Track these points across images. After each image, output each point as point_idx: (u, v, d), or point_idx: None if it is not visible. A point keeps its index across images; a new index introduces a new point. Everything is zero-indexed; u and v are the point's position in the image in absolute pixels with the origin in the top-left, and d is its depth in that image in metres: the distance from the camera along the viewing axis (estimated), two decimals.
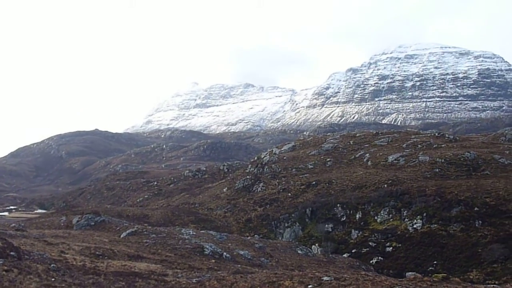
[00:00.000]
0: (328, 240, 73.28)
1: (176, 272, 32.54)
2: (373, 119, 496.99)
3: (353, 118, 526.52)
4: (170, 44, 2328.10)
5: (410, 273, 50.62)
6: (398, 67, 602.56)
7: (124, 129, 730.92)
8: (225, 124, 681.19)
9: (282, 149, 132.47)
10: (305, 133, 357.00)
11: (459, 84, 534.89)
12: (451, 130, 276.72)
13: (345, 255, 64.58)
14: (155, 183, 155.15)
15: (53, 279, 23.41)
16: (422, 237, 63.99)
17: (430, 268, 56.64)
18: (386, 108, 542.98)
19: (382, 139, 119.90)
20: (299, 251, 57.84)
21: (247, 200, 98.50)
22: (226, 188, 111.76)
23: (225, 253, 46.32)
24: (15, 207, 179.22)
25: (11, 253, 26.32)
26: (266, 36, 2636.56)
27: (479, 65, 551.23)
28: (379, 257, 63.51)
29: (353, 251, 67.79)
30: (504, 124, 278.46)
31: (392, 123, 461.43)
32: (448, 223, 64.73)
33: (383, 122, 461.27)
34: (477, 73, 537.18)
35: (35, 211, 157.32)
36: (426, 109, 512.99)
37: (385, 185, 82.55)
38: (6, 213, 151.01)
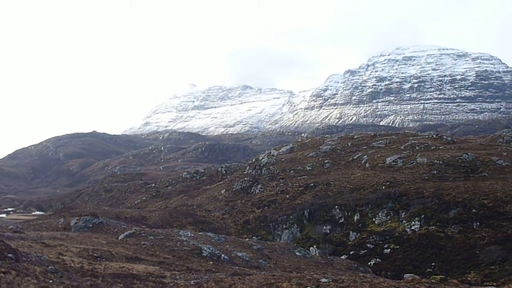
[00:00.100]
0: (326, 242, 73.26)
1: (174, 274, 32.52)
2: (371, 121, 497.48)
3: (351, 120, 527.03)
4: (168, 46, 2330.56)
5: (408, 274, 50.71)
6: (396, 69, 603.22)
7: (122, 131, 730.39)
8: (223, 126, 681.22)
9: (280, 151, 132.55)
10: (303, 135, 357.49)
11: (456, 86, 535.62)
12: (449, 132, 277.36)
13: (343, 257, 64.59)
14: (153, 185, 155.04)
15: (50, 281, 23.39)
16: (420, 238, 64.02)
17: (428, 269, 56.68)
18: (384, 110, 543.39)
19: (380, 141, 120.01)
20: (297, 253, 57.84)
21: (245, 202, 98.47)
22: (224, 190, 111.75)
23: (223, 255, 46.30)
24: (13, 209, 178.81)
25: (9, 255, 26.28)
26: (264, 38, 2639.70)
27: (477, 67, 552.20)
28: (377, 259, 63.52)
29: (351, 253, 67.79)
30: (502, 125, 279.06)
31: (390, 125, 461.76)
32: (446, 225, 64.78)
33: (381, 124, 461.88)
34: (474, 75, 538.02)
35: (33, 213, 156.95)
36: (424, 111, 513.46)
37: (383, 187, 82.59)
38: (4, 215, 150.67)
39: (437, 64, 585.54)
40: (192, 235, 56.61)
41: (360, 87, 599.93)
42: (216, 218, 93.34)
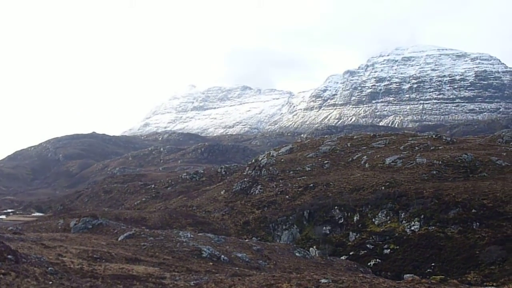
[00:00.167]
0: (326, 242, 73.26)
1: (174, 275, 32.50)
2: (370, 121, 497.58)
3: (351, 120, 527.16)
4: (167, 46, 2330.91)
5: (408, 275, 50.69)
6: (395, 70, 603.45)
7: (121, 132, 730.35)
8: (222, 127, 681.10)
9: (279, 152, 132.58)
10: (302, 135, 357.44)
11: (456, 86, 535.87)
12: (448, 132, 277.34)
13: (343, 258, 64.57)
14: (153, 186, 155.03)
15: (50, 283, 23.38)
16: (419, 239, 64.03)
17: (428, 270, 56.69)
18: (384, 110, 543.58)
19: (380, 141, 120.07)
20: (297, 254, 57.81)
21: (244, 202, 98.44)
22: (223, 190, 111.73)
23: (223, 256, 46.28)
24: (12, 210, 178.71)
25: (9, 256, 26.26)
26: (263, 38, 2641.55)
27: (476, 67, 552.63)
28: (377, 259, 63.52)
29: (351, 253, 67.78)
30: (501, 126, 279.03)
31: (390, 125, 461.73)
32: (445, 225, 64.80)
33: (380, 124, 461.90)
34: (474, 75, 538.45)
35: (33, 214, 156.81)
36: (423, 111, 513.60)
37: (383, 187, 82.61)
38: (3, 216, 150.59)
39: (436, 65, 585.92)
40: (191, 236, 56.57)
41: (359, 88, 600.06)
42: (216, 219, 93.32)
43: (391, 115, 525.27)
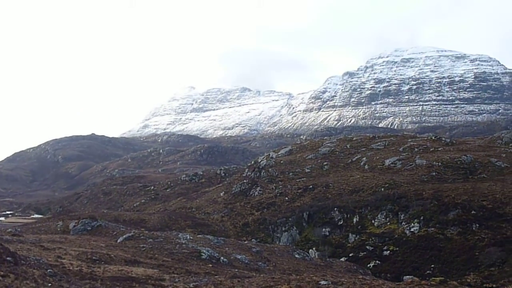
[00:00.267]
0: (325, 244, 73.23)
1: (173, 276, 32.47)
2: (369, 122, 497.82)
3: (350, 122, 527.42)
4: (167, 48, 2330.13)
5: (407, 276, 50.60)
6: (395, 71, 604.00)
7: (120, 133, 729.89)
8: (222, 128, 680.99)
9: (279, 153, 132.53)
10: (302, 137, 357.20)
11: (455, 88, 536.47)
12: (448, 134, 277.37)
13: (342, 259, 64.53)
14: (152, 187, 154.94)
15: (49, 285, 23.34)
16: (419, 240, 64.00)
17: (428, 271, 56.65)
18: (383, 112, 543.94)
19: (379, 143, 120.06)
20: (297, 255, 57.77)
21: (244, 204, 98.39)
22: (223, 192, 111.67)
23: (222, 258, 46.25)
24: (11, 212, 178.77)
25: (8, 258, 26.22)
26: (262, 40, 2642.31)
27: (475, 68, 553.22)
28: (377, 261, 63.48)
29: (350, 255, 67.74)
30: (501, 127, 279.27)
31: (389, 126, 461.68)
32: (445, 227, 64.77)
33: (379, 125, 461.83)
34: (473, 77, 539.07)
35: (32, 216, 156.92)
36: (423, 113, 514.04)
37: (382, 189, 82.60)
38: (2, 218, 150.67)
39: (435, 66, 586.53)
40: (191, 237, 56.53)
41: (358, 89, 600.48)
42: (215, 220, 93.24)
43: (391, 116, 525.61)
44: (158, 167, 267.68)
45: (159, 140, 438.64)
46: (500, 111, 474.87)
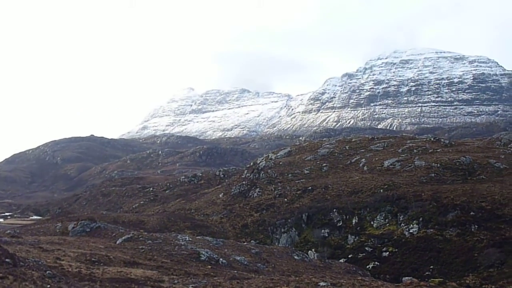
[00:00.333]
0: (324, 245, 73.22)
1: (172, 278, 32.47)
2: (368, 124, 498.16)
3: (349, 123, 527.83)
4: (165, 49, 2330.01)
5: (406, 278, 50.56)
6: (394, 72, 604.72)
7: (119, 135, 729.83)
8: (221, 130, 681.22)
9: (278, 155, 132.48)
10: (301, 138, 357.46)
11: (454, 89, 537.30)
12: (447, 135, 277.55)
13: (341, 260, 64.53)
14: (151, 189, 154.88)
15: (48, 286, 23.32)
16: (418, 242, 64.01)
17: (427, 273, 56.64)
18: (382, 113, 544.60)
19: (378, 144, 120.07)
20: (296, 257, 57.77)
21: (243, 205, 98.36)
22: (222, 193, 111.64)
23: (221, 259, 46.25)
24: (10, 213, 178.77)
25: (6, 260, 26.19)
26: (261, 41, 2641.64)
27: (474, 69, 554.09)
28: (376, 262, 63.49)
29: (349, 256, 67.75)
30: (499, 128, 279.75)
31: (388, 128, 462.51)
32: (444, 228, 64.79)
33: (378, 127, 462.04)
34: (472, 78, 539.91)
35: (31, 218, 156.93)
36: (422, 114, 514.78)
37: (381, 190, 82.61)
38: (1, 220, 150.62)
39: (434, 67, 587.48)
40: (190, 239, 56.51)
41: (357, 91, 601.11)
42: (214, 222, 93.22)
43: (390, 118, 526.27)
44: (157, 169, 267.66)
45: (158, 142, 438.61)
46: (499, 112, 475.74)
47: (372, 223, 74.05)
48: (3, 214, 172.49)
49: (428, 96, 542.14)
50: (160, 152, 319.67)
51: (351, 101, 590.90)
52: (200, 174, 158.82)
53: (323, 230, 77.66)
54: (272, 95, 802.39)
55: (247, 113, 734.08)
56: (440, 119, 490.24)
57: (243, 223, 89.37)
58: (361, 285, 28.28)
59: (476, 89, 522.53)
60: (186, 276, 34.19)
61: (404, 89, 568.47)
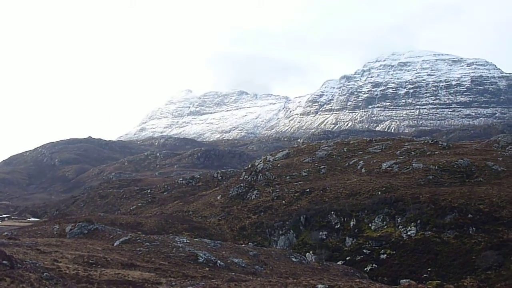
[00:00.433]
0: (322, 247, 73.18)
1: (170, 280, 32.41)
2: (366, 126, 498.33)
3: (347, 125, 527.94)
4: (164, 51, 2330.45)
5: (404, 280, 50.69)
6: (392, 75, 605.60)
7: (117, 136, 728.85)
8: (219, 132, 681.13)
9: (276, 157, 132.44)
10: (299, 140, 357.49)
11: (452, 91, 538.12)
12: (445, 137, 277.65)
13: (339, 263, 64.51)
14: (149, 191, 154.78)
15: None
16: (416, 244, 64.00)
17: (425, 275, 56.62)
18: (380, 116, 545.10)
19: (376, 146, 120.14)
20: (294, 259, 57.75)
21: (241, 207, 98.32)
22: (220, 195, 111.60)
23: (219, 261, 46.19)
24: (7, 215, 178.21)
25: (4, 261, 26.14)
26: (259, 43, 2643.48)
27: (472, 72, 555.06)
28: (374, 265, 63.44)
29: (347, 258, 67.69)
30: (497, 131, 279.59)
31: (386, 130, 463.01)
32: (442, 230, 64.79)
33: (376, 129, 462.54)
34: (470, 80, 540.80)
35: (28, 220, 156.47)
36: (420, 116, 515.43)
37: (379, 192, 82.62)
38: None
39: (432, 70, 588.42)
40: (188, 241, 56.48)
41: (355, 93, 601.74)
42: (212, 224, 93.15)
43: (388, 120, 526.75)
44: (155, 171, 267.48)
45: (156, 143, 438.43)
46: (496, 115, 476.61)
47: (370, 225, 74.05)
48: (0, 216, 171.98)
49: (426, 99, 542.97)
50: (158, 154, 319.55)
51: (349, 103, 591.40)
52: (198, 176, 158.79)
53: (321, 232, 77.62)
54: (270, 97, 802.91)
55: (245, 115, 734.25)
56: (438, 122, 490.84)
57: (241, 225, 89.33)
58: (359, 287, 28.27)
59: (474, 91, 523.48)
60: (184, 278, 34.15)
61: (402, 91, 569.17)
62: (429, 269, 58.03)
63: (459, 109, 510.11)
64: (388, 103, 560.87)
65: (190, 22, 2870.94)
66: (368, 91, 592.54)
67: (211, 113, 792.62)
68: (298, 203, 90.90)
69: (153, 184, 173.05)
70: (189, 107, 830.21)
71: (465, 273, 54.78)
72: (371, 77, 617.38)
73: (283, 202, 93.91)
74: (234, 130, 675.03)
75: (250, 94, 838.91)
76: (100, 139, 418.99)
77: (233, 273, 41.26)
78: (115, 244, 51.04)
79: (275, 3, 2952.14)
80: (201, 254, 46.76)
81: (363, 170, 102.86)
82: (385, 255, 64.78)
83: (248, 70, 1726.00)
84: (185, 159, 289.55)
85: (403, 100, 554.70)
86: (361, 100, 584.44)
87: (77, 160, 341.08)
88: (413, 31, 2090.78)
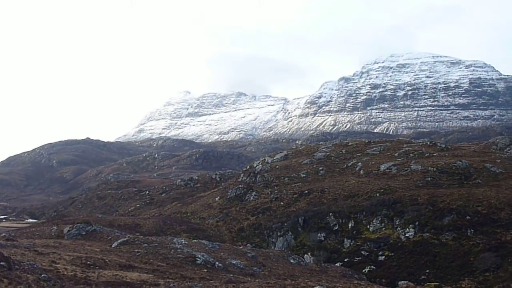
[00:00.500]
0: (320, 249, 73.19)
1: (168, 281, 32.37)
2: (365, 128, 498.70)
3: (345, 127, 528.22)
4: (162, 52, 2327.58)
5: (402, 282, 50.75)
6: (390, 76, 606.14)
7: (115, 138, 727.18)
8: (217, 133, 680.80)
9: (274, 158, 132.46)
10: (297, 142, 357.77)
11: (450, 93, 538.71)
12: (443, 139, 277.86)
13: (337, 264, 64.52)
14: (147, 192, 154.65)
15: None
16: (414, 246, 64.05)
17: (423, 277, 56.67)
18: (378, 117, 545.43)
19: (374, 148, 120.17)
20: (292, 260, 57.73)
21: (239, 209, 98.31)
22: (218, 197, 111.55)
23: (217, 263, 46.16)
24: (5, 216, 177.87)
25: (1, 263, 26.09)
26: (258, 44, 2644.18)
27: (471, 74, 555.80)
28: (372, 266, 63.47)
29: (345, 260, 67.71)
30: (496, 133, 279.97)
31: (384, 132, 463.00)
32: (440, 232, 64.84)
33: (375, 131, 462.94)
34: (468, 82, 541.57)
35: (26, 221, 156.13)
36: (418, 118, 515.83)
37: (378, 194, 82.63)
38: None
39: (431, 72, 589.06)
40: (186, 242, 56.43)
41: (354, 94, 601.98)
42: (210, 225, 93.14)
43: (386, 122, 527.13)
44: (153, 172, 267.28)
45: (154, 145, 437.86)
46: (495, 116, 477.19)
47: (368, 227, 74.07)
48: None
49: (425, 100, 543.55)
50: (156, 155, 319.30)
51: (348, 105, 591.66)
52: (197, 178, 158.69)
53: (319, 234, 77.63)
54: (269, 99, 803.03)
55: (244, 117, 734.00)
56: (437, 123, 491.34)
57: (239, 227, 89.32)
58: None
59: (472, 93, 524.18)
60: (182, 280, 34.11)
61: (401, 93, 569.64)
62: (427, 270, 58.07)
63: (458, 111, 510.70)
64: (387, 105, 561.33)
65: (188, 23, 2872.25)
66: (366, 92, 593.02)
67: (209, 114, 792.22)
68: (297, 204, 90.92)
69: (151, 185, 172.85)
70: (188, 109, 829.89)
71: (463, 274, 54.84)
72: (370, 78, 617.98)
73: (282, 203, 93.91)
74: (232, 131, 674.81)
75: (248, 96, 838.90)
76: (98, 140, 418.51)
77: (231, 275, 41.23)
78: (113, 246, 50.98)
79: (274, 4, 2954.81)
80: (199, 256, 46.72)
81: (361, 172, 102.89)
82: (383, 256, 64.83)
83: (247, 71, 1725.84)
84: (184, 160, 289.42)
85: (402, 102, 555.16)
86: (359, 102, 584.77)
87: (75, 161, 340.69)
88: (412, 32, 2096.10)
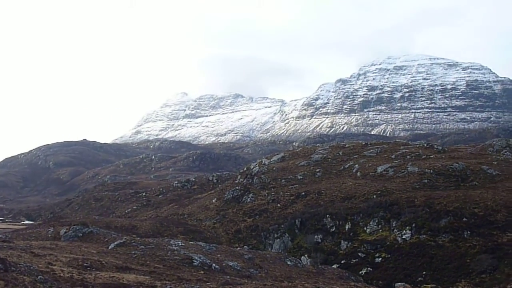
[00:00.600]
0: (317, 251, 73.19)
1: (165, 283, 32.35)
2: (362, 130, 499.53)
3: (342, 129, 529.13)
4: (159, 54, 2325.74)
5: (399, 283, 50.76)
6: (387, 78, 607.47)
7: (112, 139, 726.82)
8: (214, 135, 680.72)
9: (271, 160, 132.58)
10: (294, 143, 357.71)
11: (447, 95, 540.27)
12: (440, 141, 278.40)
13: (334, 266, 64.51)
14: (144, 194, 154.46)
15: None
16: (411, 247, 64.12)
17: (419, 278, 56.74)
18: (375, 119, 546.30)
19: (371, 150, 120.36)
20: (289, 262, 57.70)
21: (236, 211, 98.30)
22: (215, 199, 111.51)
23: (214, 264, 46.14)
24: (1, 218, 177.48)
25: None
26: (255, 46, 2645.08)
27: (467, 76, 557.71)
28: (369, 268, 63.52)
29: (342, 262, 67.75)
30: (492, 135, 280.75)
31: (381, 134, 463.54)
32: (437, 234, 64.93)
33: (372, 133, 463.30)
34: (465, 84, 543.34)
35: (22, 222, 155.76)
36: (415, 120, 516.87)
37: (374, 196, 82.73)
38: None
39: (428, 74, 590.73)
40: (183, 244, 56.37)
41: (351, 96, 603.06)
42: (207, 227, 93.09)
43: (383, 123, 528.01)
44: (150, 173, 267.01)
45: (151, 146, 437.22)
46: (491, 119, 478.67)
47: (365, 229, 74.11)
48: None
49: (422, 102, 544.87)
50: (153, 157, 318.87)
51: (345, 106, 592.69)
52: (193, 179, 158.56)
53: (316, 236, 77.64)
54: (266, 100, 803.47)
55: (241, 118, 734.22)
56: (434, 125, 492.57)
57: (236, 229, 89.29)
58: None
59: (469, 95, 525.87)
60: (179, 282, 34.09)
61: (398, 95, 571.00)
62: (424, 272, 58.15)
63: (454, 113, 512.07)
64: (384, 107, 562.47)
65: (186, 24, 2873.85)
66: (363, 94, 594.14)
67: (206, 116, 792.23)
68: (293, 206, 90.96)
69: (148, 187, 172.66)
70: (185, 110, 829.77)
71: (459, 276, 54.92)
72: (367, 80, 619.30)
73: (279, 205, 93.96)
74: (229, 133, 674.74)
75: (245, 97, 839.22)
76: (95, 141, 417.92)
77: (228, 277, 41.22)
78: (109, 247, 50.89)
79: (271, 6, 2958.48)
80: (196, 257, 46.68)
81: (358, 174, 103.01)
82: (380, 258, 64.88)
83: (244, 73, 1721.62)
84: (181, 162, 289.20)
85: (399, 104, 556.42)
86: (356, 104, 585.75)
87: (72, 162, 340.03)
88: (409, 34, 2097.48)
